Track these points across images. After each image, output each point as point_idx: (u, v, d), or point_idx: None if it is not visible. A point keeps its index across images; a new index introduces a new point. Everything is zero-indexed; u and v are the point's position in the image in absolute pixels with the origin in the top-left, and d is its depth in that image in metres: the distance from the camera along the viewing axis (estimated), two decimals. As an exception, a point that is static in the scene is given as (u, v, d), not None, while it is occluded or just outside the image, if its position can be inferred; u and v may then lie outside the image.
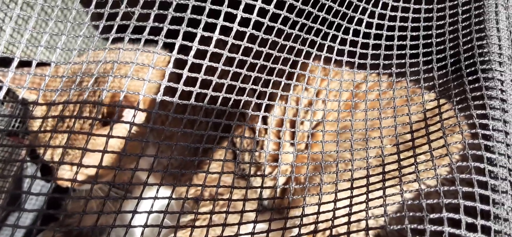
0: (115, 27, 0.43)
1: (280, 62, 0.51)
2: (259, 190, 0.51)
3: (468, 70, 0.50)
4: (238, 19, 0.44)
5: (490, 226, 0.37)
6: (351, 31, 0.57)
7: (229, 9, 0.44)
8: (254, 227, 0.40)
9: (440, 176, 0.39)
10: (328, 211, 0.42)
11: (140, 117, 0.58)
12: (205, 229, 0.39)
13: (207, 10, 0.43)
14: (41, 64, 0.42)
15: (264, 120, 0.62)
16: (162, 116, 0.62)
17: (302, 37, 0.52)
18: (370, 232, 0.38)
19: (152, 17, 0.42)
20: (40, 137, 0.59)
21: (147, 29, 0.42)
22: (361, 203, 0.41)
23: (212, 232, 0.39)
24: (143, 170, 0.41)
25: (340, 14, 0.55)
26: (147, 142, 0.43)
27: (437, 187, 0.38)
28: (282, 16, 0.48)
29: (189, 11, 0.43)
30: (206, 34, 0.43)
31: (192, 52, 0.42)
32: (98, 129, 0.57)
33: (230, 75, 0.46)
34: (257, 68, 0.48)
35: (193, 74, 0.43)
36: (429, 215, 0.36)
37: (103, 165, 0.37)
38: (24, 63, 0.43)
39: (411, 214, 0.36)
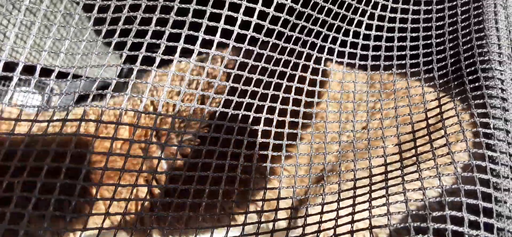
0: (118, 32, 0.43)
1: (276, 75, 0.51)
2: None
3: (468, 70, 0.50)
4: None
5: (493, 223, 0.37)
6: (351, 33, 0.57)
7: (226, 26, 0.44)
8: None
9: (441, 175, 0.39)
10: (331, 216, 0.42)
11: None
12: None
13: (208, 14, 0.44)
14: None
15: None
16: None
17: (302, 39, 0.53)
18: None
19: (154, 21, 0.43)
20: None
21: (149, 34, 0.43)
22: (363, 202, 0.42)
23: None
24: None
25: (339, 16, 0.56)
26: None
27: (439, 185, 0.38)
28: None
29: (190, 15, 0.43)
30: (207, 37, 0.43)
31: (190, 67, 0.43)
32: None
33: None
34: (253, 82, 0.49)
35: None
36: (431, 213, 0.36)
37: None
38: (28, 68, 0.44)
39: (414, 212, 0.37)
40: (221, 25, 0.44)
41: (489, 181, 0.39)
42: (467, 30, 0.54)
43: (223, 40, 0.44)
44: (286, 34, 0.51)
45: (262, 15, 0.47)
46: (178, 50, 0.43)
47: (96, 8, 0.44)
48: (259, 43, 0.48)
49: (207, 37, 0.43)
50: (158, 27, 0.43)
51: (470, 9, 0.55)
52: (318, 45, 0.55)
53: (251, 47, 0.48)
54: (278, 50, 0.51)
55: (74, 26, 0.45)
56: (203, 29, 0.43)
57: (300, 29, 0.52)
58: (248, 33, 0.46)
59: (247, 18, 0.46)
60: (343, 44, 0.57)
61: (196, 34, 0.43)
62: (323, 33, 0.55)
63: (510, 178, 0.41)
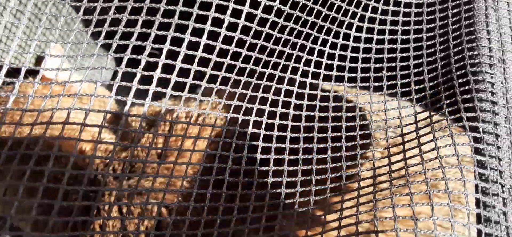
0: (103, 34, 0.43)
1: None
2: None
3: (458, 73, 0.50)
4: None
5: (480, 229, 0.37)
6: (338, 46, 0.56)
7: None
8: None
9: (430, 180, 0.38)
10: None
11: None
12: None
13: (194, 16, 0.43)
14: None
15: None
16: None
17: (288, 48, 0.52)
18: None
19: (139, 22, 0.42)
20: None
21: (135, 36, 0.42)
22: (352, 207, 0.41)
23: None
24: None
25: (324, 29, 0.55)
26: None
27: (427, 190, 0.37)
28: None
29: (176, 16, 0.43)
30: (194, 39, 0.43)
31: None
32: None
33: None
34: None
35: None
36: (419, 219, 0.35)
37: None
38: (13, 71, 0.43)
39: (401, 217, 0.36)
40: (208, 27, 0.43)
41: (478, 186, 0.39)
42: (458, 33, 0.53)
43: (210, 42, 0.44)
44: (274, 36, 0.50)
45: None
46: (163, 55, 0.42)
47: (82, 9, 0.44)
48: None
49: (194, 39, 0.43)
50: (144, 29, 0.42)
51: (461, 12, 0.55)
52: (304, 58, 0.53)
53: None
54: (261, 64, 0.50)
55: (59, 28, 0.45)
56: (189, 31, 0.42)
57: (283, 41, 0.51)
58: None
59: (234, 20, 0.45)
60: (331, 57, 0.55)
61: (182, 36, 0.42)
62: (308, 47, 0.54)
63: (499, 182, 0.40)
